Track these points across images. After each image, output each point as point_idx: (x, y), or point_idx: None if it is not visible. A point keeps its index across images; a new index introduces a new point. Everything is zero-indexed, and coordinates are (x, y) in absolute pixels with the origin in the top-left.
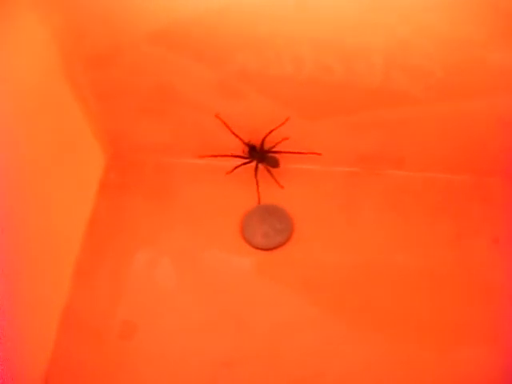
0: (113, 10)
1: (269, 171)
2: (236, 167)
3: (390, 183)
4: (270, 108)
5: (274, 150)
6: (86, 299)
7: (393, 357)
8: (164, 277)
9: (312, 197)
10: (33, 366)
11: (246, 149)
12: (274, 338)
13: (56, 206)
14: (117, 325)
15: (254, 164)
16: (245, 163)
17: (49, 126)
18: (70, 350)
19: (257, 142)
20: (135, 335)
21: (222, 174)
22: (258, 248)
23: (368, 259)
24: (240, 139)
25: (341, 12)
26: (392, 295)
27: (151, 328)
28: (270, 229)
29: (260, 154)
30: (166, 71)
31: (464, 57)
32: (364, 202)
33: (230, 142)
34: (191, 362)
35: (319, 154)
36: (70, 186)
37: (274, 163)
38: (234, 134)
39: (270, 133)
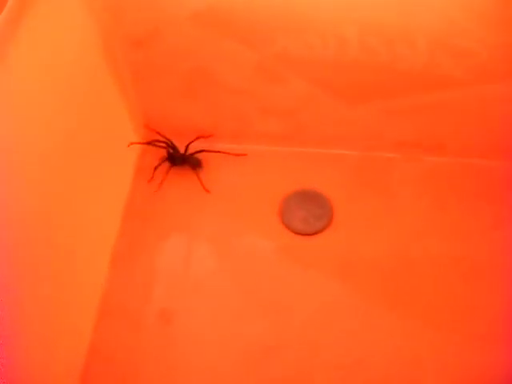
0: None
1: (195, 172)
2: (155, 168)
3: (428, 169)
4: (310, 92)
5: (199, 149)
6: (124, 285)
7: (430, 343)
8: (201, 262)
9: (351, 182)
10: (72, 353)
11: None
12: (314, 324)
13: (93, 191)
14: (155, 310)
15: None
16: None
17: (87, 107)
18: (108, 337)
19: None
20: (174, 321)
21: (260, 159)
22: (296, 233)
23: (405, 246)
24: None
25: None
26: (429, 283)
27: (189, 314)
28: (309, 214)
29: (180, 159)
30: (206, 53)
31: (510, 38)
32: (402, 188)
33: (267, 126)
34: (231, 347)
35: (244, 155)
36: (107, 170)
37: (196, 164)
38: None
39: (195, 139)
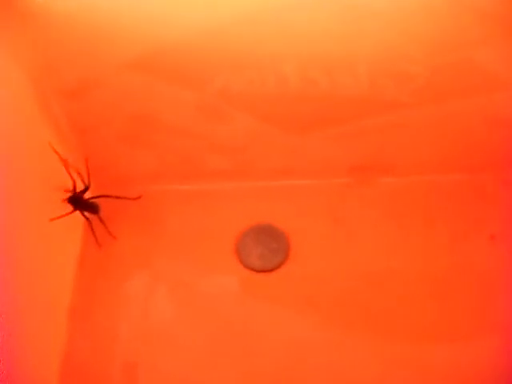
0: (86, 41)
1: (95, 219)
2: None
3: (383, 191)
4: (255, 126)
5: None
6: (85, 343)
7: (403, 362)
8: (161, 309)
9: (305, 212)
10: None
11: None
12: (287, 364)
13: (42, 248)
14: (118, 367)
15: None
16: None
17: (25, 163)
18: None
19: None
20: (138, 376)
21: (211, 197)
22: (255, 270)
23: (368, 269)
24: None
25: (322, 24)
26: (397, 302)
27: (154, 366)
28: (266, 249)
29: (81, 204)
30: (145, 98)
31: (450, 58)
32: (359, 212)
33: (216, 163)
34: None
35: (138, 198)
36: (54, 225)
37: (95, 210)
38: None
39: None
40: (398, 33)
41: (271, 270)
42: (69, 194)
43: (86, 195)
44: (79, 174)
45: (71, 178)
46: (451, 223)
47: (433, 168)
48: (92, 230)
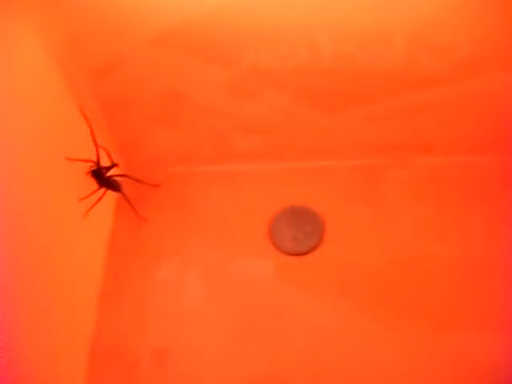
0: (111, 18)
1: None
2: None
3: (420, 171)
4: (286, 105)
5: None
6: (115, 329)
7: (437, 351)
8: (192, 293)
9: (340, 193)
10: None
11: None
12: (316, 349)
13: (73, 233)
14: (148, 351)
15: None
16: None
17: (56, 145)
18: (102, 380)
19: None
20: (168, 360)
21: (242, 179)
22: (288, 254)
23: (403, 253)
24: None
25: None
26: (432, 288)
27: (185, 350)
28: (300, 232)
29: (103, 179)
30: (173, 76)
31: (493, 27)
32: (394, 193)
33: (248, 144)
34: (229, 381)
35: (157, 186)
36: (85, 208)
37: (116, 187)
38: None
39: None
40: (436, 1)
41: (305, 254)
42: (93, 168)
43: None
44: (107, 151)
45: (97, 151)
46: (490, 205)
47: (472, 147)
48: (129, 202)
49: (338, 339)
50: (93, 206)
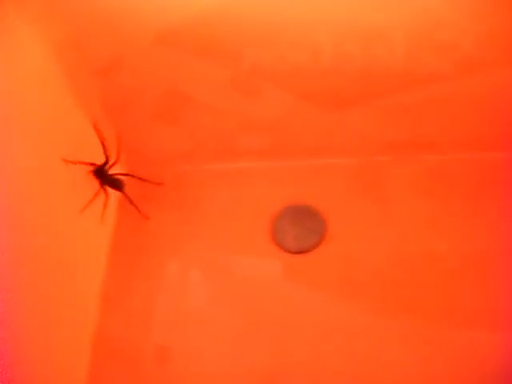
0: (113, 17)
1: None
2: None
3: (423, 169)
4: (289, 103)
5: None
6: (117, 327)
7: (439, 346)
8: (195, 291)
9: (343, 191)
10: None
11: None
12: (319, 346)
13: (76, 231)
14: (151, 349)
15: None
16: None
17: (57, 145)
18: (103, 378)
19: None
20: (170, 358)
21: (246, 177)
22: (291, 252)
23: (405, 250)
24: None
25: None
26: (436, 284)
27: (186, 348)
28: (302, 230)
29: (105, 178)
30: (176, 75)
31: (496, 25)
32: (397, 190)
33: (251, 142)
34: (232, 380)
35: (160, 184)
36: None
37: (119, 186)
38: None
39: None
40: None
41: (307, 251)
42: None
43: (114, 171)
44: (105, 148)
45: (104, 150)
46: (494, 203)
47: (474, 145)
48: (131, 201)
49: (341, 335)
50: (91, 201)
